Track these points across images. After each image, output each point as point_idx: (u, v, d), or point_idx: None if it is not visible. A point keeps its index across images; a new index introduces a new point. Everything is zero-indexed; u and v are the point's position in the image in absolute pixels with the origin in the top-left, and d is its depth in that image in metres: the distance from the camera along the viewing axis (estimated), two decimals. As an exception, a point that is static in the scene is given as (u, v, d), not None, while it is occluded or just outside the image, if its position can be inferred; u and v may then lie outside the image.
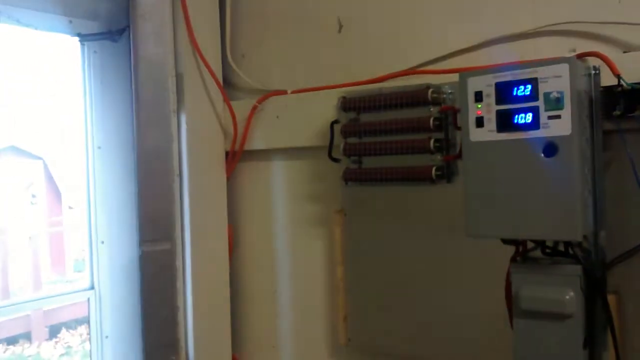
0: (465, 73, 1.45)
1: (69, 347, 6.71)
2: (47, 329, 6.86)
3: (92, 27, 2.10)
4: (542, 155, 1.33)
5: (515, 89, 1.36)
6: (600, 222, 1.46)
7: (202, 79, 2.16)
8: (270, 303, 2.26)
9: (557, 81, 1.31)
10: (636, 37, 1.52)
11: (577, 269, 1.38)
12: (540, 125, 1.33)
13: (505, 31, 1.70)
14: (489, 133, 1.40)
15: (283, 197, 2.22)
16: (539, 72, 1.33)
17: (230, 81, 2.30)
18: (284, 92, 2.13)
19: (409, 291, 1.85)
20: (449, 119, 1.71)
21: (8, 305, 2.08)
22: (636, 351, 1.54)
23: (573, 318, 1.36)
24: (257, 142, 2.20)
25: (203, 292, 2.13)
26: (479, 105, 1.41)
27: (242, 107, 2.20)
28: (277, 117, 2.13)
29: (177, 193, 2.07)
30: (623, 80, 1.40)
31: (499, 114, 1.38)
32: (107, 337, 2.14)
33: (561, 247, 1.43)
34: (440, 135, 1.72)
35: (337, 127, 1.92)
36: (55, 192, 8.84)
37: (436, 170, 1.71)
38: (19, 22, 1.92)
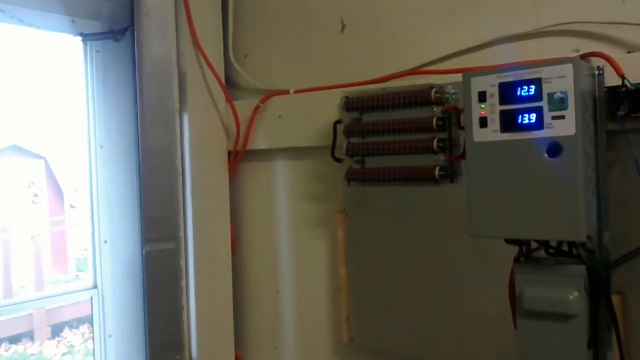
0: (468, 73, 1.44)
1: (71, 346, 6.72)
2: (49, 328, 6.87)
3: (95, 26, 2.10)
4: (546, 155, 1.33)
5: (519, 89, 1.36)
6: (604, 222, 1.46)
7: (204, 79, 2.16)
8: (272, 302, 2.26)
9: (561, 81, 1.31)
10: (640, 37, 1.52)
11: (581, 269, 1.38)
12: (544, 126, 1.33)
13: (509, 31, 1.70)
14: (492, 133, 1.40)
15: (285, 197, 2.22)
16: (543, 72, 1.33)
17: (232, 81, 2.30)
18: (287, 92, 2.13)
19: (412, 291, 1.85)
20: (452, 119, 1.70)
21: (12, 304, 2.09)
22: (640, 351, 1.54)
23: (577, 318, 1.36)
24: (259, 141, 2.20)
25: (206, 292, 2.13)
26: (483, 106, 1.41)
27: (244, 106, 2.20)
28: (280, 117, 2.13)
29: (180, 192, 2.07)
30: (627, 80, 1.40)
31: (503, 114, 1.38)
32: (110, 336, 2.14)
33: (565, 247, 1.43)
34: (443, 135, 1.72)
35: (339, 127, 1.91)
36: (57, 191, 8.86)
37: (439, 170, 1.70)
38: (21, 21, 1.92)
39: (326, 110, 1.97)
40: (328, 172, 2.04)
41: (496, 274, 1.54)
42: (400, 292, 1.87)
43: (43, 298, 2.35)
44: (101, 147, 2.13)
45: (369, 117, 1.86)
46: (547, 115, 1.32)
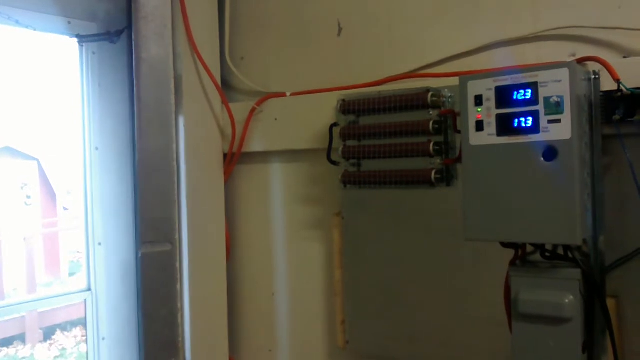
0: (465, 77, 1.45)
1: (63, 349, 6.68)
2: (41, 331, 6.83)
3: (91, 28, 2.10)
4: (542, 159, 1.33)
5: (516, 93, 1.37)
6: (599, 226, 1.47)
7: (200, 81, 2.16)
8: (267, 305, 2.26)
9: (557, 86, 1.32)
10: (636, 42, 1.53)
11: (577, 272, 1.38)
12: (540, 130, 1.34)
13: (506, 35, 1.71)
14: (488, 137, 1.41)
15: (281, 200, 2.22)
16: (539, 77, 1.34)
17: (229, 83, 2.30)
18: (283, 95, 2.13)
19: (408, 294, 1.85)
20: (448, 122, 1.71)
21: (5, 306, 2.07)
22: (635, 355, 1.54)
23: (572, 322, 1.37)
24: (255, 144, 2.20)
25: (200, 294, 2.13)
26: (479, 109, 1.42)
27: (240, 109, 2.20)
28: (276, 119, 2.13)
29: (176, 195, 2.07)
30: (623, 85, 1.40)
31: (499, 117, 1.39)
32: (103, 338, 2.13)
33: (560, 251, 1.44)
34: (439, 138, 1.72)
35: (336, 130, 1.92)
36: (50, 193, 8.82)
37: (435, 173, 1.70)
38: (18, 23, 1.92)
39: (322, 113, 1.97)
40: (324, 175, 2.04)
41: (492, 277, 1.55)
42: (395, 296, 1.87)
43: (37, 300, 2.34)
44: (96, 149, 2.12)
45: (366, 120, 1.86)
46: (543, 119, 1.33)
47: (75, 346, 6.63)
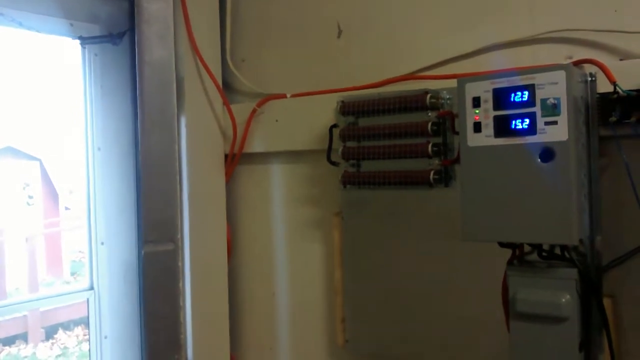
0: (463, 79, 1.46)
1: (65, 348, 6.70)
2: (43, 330, 6.85)
3: (93, 30, 2.12)
4: (539, 160, 1.35)
5: (513, 95, 1.38)
6: (596, 227, 1.48)
7: (202, 83, 2.18)
8: (268, 305, 2.27)
9: (553, 88, 1.33)
10: (632, 45, 1.54)
11: (573, 272, 1.40)
12: (537, 131, 1.35)
13: (503, 38, 1.72)
14: (486, 138, 1.42)
15: (282, 200, 2.24)
16: (536, 79, 1.35)
17: (230, 85, 2.32)
18: (284, 96, 2.14)
19: (407, 294, 1.86)
20: (447, 123, 1.72)
21: (7, 305, 2.09)
22: (631, 354, 1.55)
23: (569, 321, 1.38)
24: (256, 145, 2.21)
25: (202, 294, 2.15)
26: (477, 111, 1.43)
27: (241, 110, 2.21)
28: (277, 120, 2.15)
29: (178, 194, 2.09)
30: (619, 87, 1.42)
31: (497, 119, 1.40)
32: (106, 337, 2.15)
33: (557, 251, 1.45)
34: (438, 139, 1.74)
35: (335, 131, 1.93)
36: (52, 193, 8.84)
37: (434, 174, 1.72)
38: (20, 25, 1.93)
39: (322, 114, 1.98)
40: (324, 175, 2.05)
41: (490, 277, 1.56)
42: (395, 295, 1.89)
43: (40, 299, 2.36)
44: (99, 149, 2.14)
45: (365, 122, 1.87)
46: (540, 121, 1.35)
47: (77, 345, 6.65)
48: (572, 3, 1.63)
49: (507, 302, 1.48)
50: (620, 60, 1.55)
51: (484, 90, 1.42)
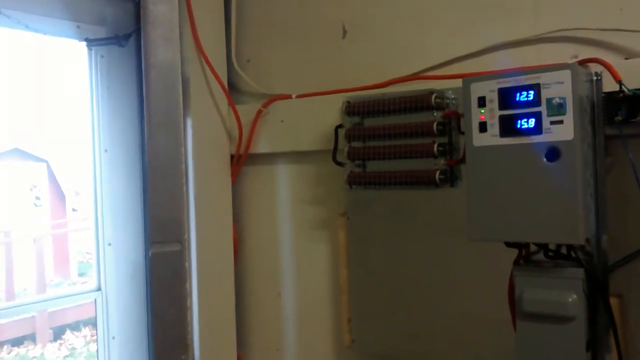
0: (468, 78, 1.46)
1: (73, 348, 6.73)
2: (51, 331, 6.89)
3: (100, 32, 2.13)
4: (545, 159, 1.34)
5: (518, 94, 1.38)
6: (602, 226, 1.48)
7: (207, 84, 2.19)
8: (274, 305, 2.28)
9: (559, 87, 1.33)
10: (637, 43, 1.54)
11: (580, 272, 1.39)
12: (543, 130, 1.35)
13: (508, 37, 1.72)
14: (492, 138, 1.42)
15: (287, 200, 2.24)
16: (542, 78, 1.35)
17: (235, 86, 2.32)
18: (289, 97, 2.15)
19: (413, 294, 1.86)
20: (452, 123, 1.72)
21: (16, 306, 2.10)
22: (639, 354, 1.55)
23: (575, 321, 1.38)
24: (262, 145, 2.22)
25: (208, 294, 2.15)
26: (482, 111, 1.43)
27: (247, 111, 2.22)
28: (282, 121, 2.15)
29: (185, 195, 2.09)
30: (625, 86, 1.41)
31: (502, 119, 1.40)
32: (113, 338, 2.16)
33: (564, 251, 1.44)
34: (443, 139, 1.74)
35: (341, 132, 1.93)
36: (59, 195, 8.88)
37: (439, 174, 1.72)
38: (27, 27, 1.95)
39: (328, 114, 1.99)
40: (330, 176, 2.06)
41: (496, 276, 1.56)
42: (401, 295, 1.89)
43: (47, 300, 2.37)
44: (105, 150, 2.15)
45: (370, 122, 1.88)
46: (546, 121, 1.34)
47: (84, 345, 6.68)
48: (577, 2, 1.63)
49: (513, 301, 1.48)
50: (626, 59, 1.54)
51: (489, 90, 1.42)
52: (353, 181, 1.90)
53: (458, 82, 1.51)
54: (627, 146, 1.45)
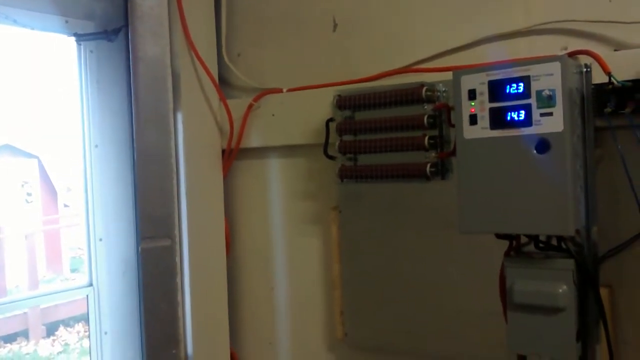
0: (458, 71, 1.46)
1: (66, 344, 6.72)
2: (44, 327, 6.87)
3: (88, 27, 2.11)
4: (535, 151, 1.35)
5: (508, 86, 1.39)
6: (592, 217, 1.49)
7: (198, 78, 2.18)
8: (267, 299, 2.28)
9: (549, 79, 1.34)
10: (627, 35, 1.54)
11: (570, 263, 1.40)
12: (533, 122, 1.35)
13: (498, 30, 1.72)
14: (482, 130, 1.42)
15: (279, 195, 2.24)
16: (531, 70, 1.36)
17: (226, 80, 2.31)
18: (280, 91, 2.14)
19: (405, 287, 1.87)
20: (443, 116, 1.72)
21: (8, 302, 2.09)
22: (628, 344, 1.56)
23: (566, 311, 1.39)
24: (253, 140, 2.21)
25: (201, 289, 2.15)
26: (473, 103, 1.43)
27: (238, 105, 2.21)
28: (273, 115, 2.15)
29: (175, 190, 2.09)
30: (614, 77, 1.42)
31: (492, 111, 1.40)
32: (106, 333, 2.15)
33: (554, 242, 1.45)
34: (434, 132, 1.74)
35: (332, 125, 1.93)
36: (51, 191, 8.85)
37: (430, 167, 1.72)
38: (15, 22, 1.93)
39: (319, 108, 1.98)
40: (321, 169, 2.06)
41: (487, 268, 1.57)
42: (393, 288, 1.90)
43: (39, 296, 2.36)
44: (96, 146, 2.14)
45: (361, 115, 1.87)
46: (536, 113, 1.35)
47: (78, 341, 6.67)
48: (567, -6, 1.63)
49: (504, 293, 1.49)
50: (615, 50, 1.55)
51: (479, 82, 1.42)
52: (344, 175, 1.90)
53: (449, 75, 1.51)
54: (617, 138, 1.46)
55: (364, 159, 1.88)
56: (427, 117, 1.72)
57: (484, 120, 1.42)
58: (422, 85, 1.72)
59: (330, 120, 1.94)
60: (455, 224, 1.48)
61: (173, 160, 2.08)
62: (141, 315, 2.12)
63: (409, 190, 1.82)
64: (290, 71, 2.18)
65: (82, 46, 2.12)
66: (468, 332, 1.75)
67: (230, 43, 2.30)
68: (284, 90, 2.13)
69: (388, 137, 1.80)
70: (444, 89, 1.74)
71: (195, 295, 2.12)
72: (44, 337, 6.82)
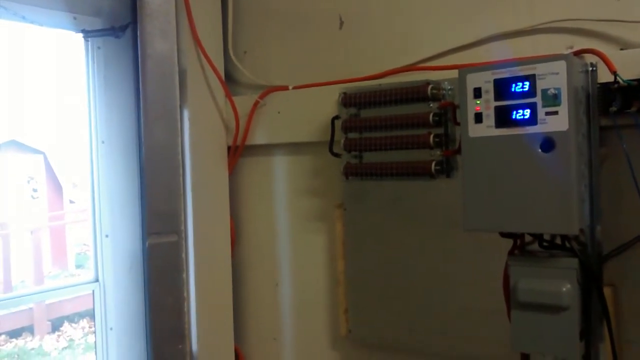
0: (464, 69, 1.47)
1: (71, 340, 6.74)
2: (49, 323, 6.89)
3: (96, 23, 2.13)
4: (540, 150, 1.35)
5: (514, 85, 1.39)
6: (596, 216, 1.49)
7: (204, 75, 2.19)
8: (271, 296, 2.29)
9: (554, 78, 1.34)
10: (633, 34, 1.54)
11: (574, 261, 1.41)
12: (538, 121, 1.35)
13: (504, 28, 1.72)
14: (487, 129, 1.42)
15: (284, 192, 2.25)
16: (537, 69, 1.36)
17: (232, 77, 2.32)
18: (286, 88, 2.15)
19: (409, 284, 1.88)
20: (448, 114, 1.73)
21: (14, 298, 2.11)
22: (632, 343, 1.56)
23: (570, 310, 1.39)
24: (258, 137, 2.22)
25: (206, 285, 2.16)
26: (478, 102, 1.44)
27: (244, 102, 2.22)
28: (279, 112, 2.16)
29: (182, 187, 2.10)
30: (619, 77, 1.42)
31: (498, 109, 1.41)
32: (111, 328, 2.17)
33: (558, 241, 1.46)
34: (439, 130, 1.74)
35: (337, 123, 1.94)
36: (56, 186, 8.87)
37: (435, 165, 1.72)
38: (24, 18, 1.95)
39: (324, 106, 1.99)
40: (326, 167, 2.06)
41: (491, 267, 1.57)
42: (397, 285, 1.90)
43: (45, 291, 2.37)
44: (102, 142, 2.15)
45: (367, 113, 1.88)
46: (541, 111, 1.35)
47: (82, 337, 6.69)
48: (572, -7, 1.63)
49: (508, 291, 1.49)
50: (621, 49, 1.55)
51: (485, 80, 1.43)
52: (349, 172, 1.91)
53: (454, 73, 1.52)
54: (622, 137, 1.46)
55: (369, 157, 1.88)
56: (433, 115, 1.72)
57: (489, 118, 1.42)
58: (427, 83, 1.72)
59: (336, 117, 1.95)
60: (459, 222, 1.48)
61: (180, 157, 2.09)
62: (147, 311, 2.14)
63: (414, 188, 1.83)
64: (296, 69, 2.18)
65: (89, 42, 2.13)
66: (472, 330, 1.76)
67: (236, 40, 2.31)
68: (290, 87, 2.14)
69: (393, 135, 1.80)
70: (449, 87, 1.74)
71: (200, 291, 2.13)
72: (49, 333, 6.84)
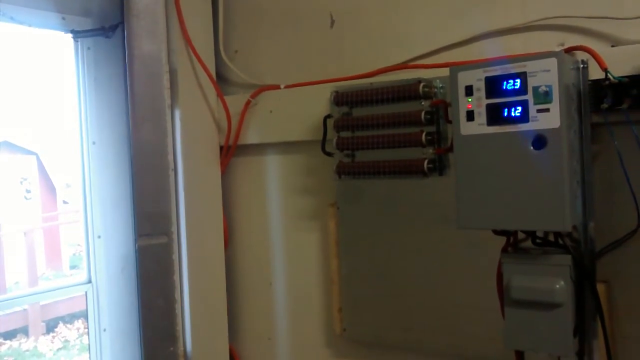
0: (455, 67, 1.47)
1: (66, 341, 6.73)
2: (44, 324, 6.88)
3: (85, 23, 2.11)
4: (532, 147, 1.35)
5: (505, 83, 1.39)
6: (589, 213, 1.49)
7: (195, 75, 2.18)
8: (265, 295, 2.29)
9: (545, 75, 1.34)
10: (623, 31, 1.54)
11: (567, 258, 1.41)
12: (530, 119, 1.36)
13: (495, 26, 1.72)
14: (479, 126, 1.42)
15: (277, 191, 2.24)
16: (528, 67, 1.36)
17: (223, 76, 2.31)
18: (277, 87, 2.14)
19: (402, 282, 1.88)
20: (440, 112, 1.72)
21: (7, 299, 2.10)
22: (625, 339, 1.57)
23: (563, 307, 1.39)
24: (251, 136, 2.21)
25: (199, 285, 2.16)
26: (470, 99, 1.44)
27: (235, 102, 2.21)
28: (271, 111, 2.15)
29: (172, 187, 2.09)
30: (610, 73, 1.42)
31: (489, 107, 1.41)
32: (104, 330, 2.16)
33: (551, 238, 1.46)
34: (431, 128, 1.74)
35: (330, 122, 1.93)
36: (50, 187, 8.84)
37: (428, 163, 1.72)
38: (13, 19, 1.93)
39: (316, 105, 1.99)
40: (319, 166, 2.06)
41: (484, 264, 1.57)
42: (391, 283, 1.90)
43: (38, 293, 2.37)
44: (93, 143, 2.14)
45: (359, 112, 1.87)
46: (533, 109, 1.35)
47: (77, 338, 6.68)
48: (564, -10, 1.63)
49: (501, 289, 1.49)
50: (612, 46, 1.55)
51: (476, 78, 1.43)
52: (342, 171, 1.90)
53: (445, 71, 1.52)
54: (613, 133, 1.46)
55: (362, 156, 1.88)
56: (425, 114, 1.72)
57: (481, 116, 1.42)
58: (419, 81, 1.72)
59: (328, 116, 1.94)
60: (452, 219, 1.48)
61: (170, 157, 2.09)
62: (139, 312, 2.13)
63: (407, 187, 1.83)
64: (288, 68, 2.18)
65: (79, 43, 2.12)
66: (465, 327, 1.76)
67: (227, 40, 2.30)
68: (282, 86, 2.13)
69: (385, 134, 1.80)
70: (441, 85, 1.74)
71: (193, 292, 2.13)
72: (43, 334, 6.82)
